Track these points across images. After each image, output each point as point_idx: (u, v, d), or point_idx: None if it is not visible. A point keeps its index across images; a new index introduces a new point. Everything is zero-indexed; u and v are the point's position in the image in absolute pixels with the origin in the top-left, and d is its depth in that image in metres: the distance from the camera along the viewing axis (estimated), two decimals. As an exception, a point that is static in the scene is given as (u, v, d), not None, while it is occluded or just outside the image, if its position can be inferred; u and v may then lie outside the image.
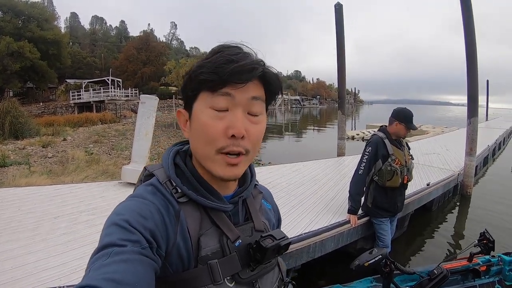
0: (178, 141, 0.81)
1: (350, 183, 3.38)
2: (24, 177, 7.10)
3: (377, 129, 3.37)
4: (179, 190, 0.68)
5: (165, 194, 0.67)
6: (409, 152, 3.29)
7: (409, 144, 3.44)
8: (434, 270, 2.00)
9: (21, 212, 3.66)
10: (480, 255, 2.49)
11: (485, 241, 2.36)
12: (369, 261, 1.91)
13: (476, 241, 2.41)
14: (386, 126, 3.26)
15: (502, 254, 2.64)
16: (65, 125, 20.72)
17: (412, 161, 3.30)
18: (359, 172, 3.23)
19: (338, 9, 8.38)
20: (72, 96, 32.56)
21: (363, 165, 3.21)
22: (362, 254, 2.00)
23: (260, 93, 0.68)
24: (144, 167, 0.75)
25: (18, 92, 32.68)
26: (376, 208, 3.34)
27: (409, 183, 3.34)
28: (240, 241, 0.69)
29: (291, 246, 3.03)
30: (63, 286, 2.19)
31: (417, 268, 2.33)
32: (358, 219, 3.55)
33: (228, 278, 0.66)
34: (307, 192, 4.82)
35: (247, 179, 0.79)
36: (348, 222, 3.54)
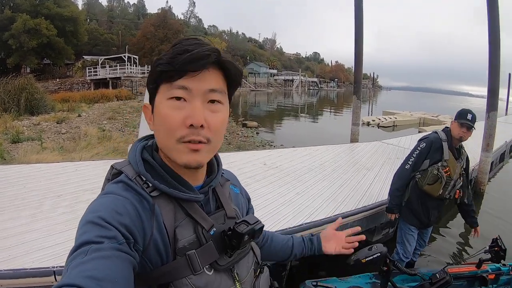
0: (142, 136, 0.81)
1: (394, 176, 3.07)
2: (35, 153, 7.20)
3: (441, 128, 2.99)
4: (150, 185, 0.68)
5: (137, 189, 0.67)
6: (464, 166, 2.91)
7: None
8: (437, 274, 1.89)
9: (26, 190, 3.66)
10: (490, 262, 2.34)
11: (496, 248, 2.23)
12: (367, 257, 1.82)
13: (487, 247, 2.28)
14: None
15: None
16: (80, 101, 20.94)
17: (462, 178, 2.91)
18: (405, 167, 2.93)
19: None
20: (89, 72, 32.90)
21: (411, 160, 2.90)
22: (361, 250, 1.90)
23: (219, 85, 0.69)
24: (111, 166, 0.75)
25: (35, 69, 33.14)
26: (407, 210, 3.02)
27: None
28: (215, 229, 0.71)
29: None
30: (55, 267, 2.17)
31: (420, 269, 2.23)
32: (368, 211, 3.42)
33: (207, 266, 0.68)
34: (314, 179, 4.70)
35: (214, 169, 0.80)
36: (352, 214, 3.44)
